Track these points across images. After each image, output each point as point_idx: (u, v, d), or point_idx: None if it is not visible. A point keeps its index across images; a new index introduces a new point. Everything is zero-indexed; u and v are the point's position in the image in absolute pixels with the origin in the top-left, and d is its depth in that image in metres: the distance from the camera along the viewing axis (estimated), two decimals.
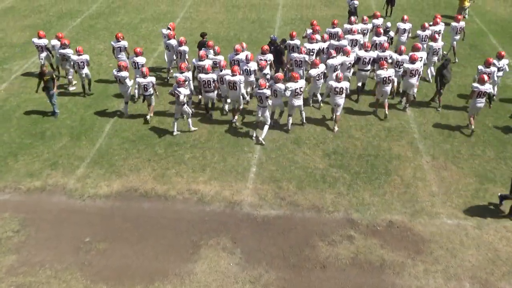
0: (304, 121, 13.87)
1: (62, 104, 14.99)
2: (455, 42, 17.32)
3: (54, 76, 13.38)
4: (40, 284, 9.27)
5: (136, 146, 13.13)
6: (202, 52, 14.18)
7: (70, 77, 15.84)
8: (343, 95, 13.29)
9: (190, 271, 9.51)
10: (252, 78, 14.14)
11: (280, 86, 12.86)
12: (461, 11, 20.07)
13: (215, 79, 13.58)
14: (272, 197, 11.34)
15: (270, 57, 14.41)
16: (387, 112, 14.16)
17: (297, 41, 15.26)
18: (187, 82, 13.43)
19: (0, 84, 16.22)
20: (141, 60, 14.54)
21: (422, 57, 14.39)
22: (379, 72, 13.71)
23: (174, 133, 13.52)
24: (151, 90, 13.64)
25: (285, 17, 21.47)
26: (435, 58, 15.90)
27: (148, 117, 14.06)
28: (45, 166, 12.38)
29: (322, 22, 18.48)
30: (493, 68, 13.98)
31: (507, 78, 16.31)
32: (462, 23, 17.08)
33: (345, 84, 13.17)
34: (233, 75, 13.26)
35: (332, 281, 9.31)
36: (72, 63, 14.91)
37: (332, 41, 15.45)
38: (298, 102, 13.28)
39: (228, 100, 14.24)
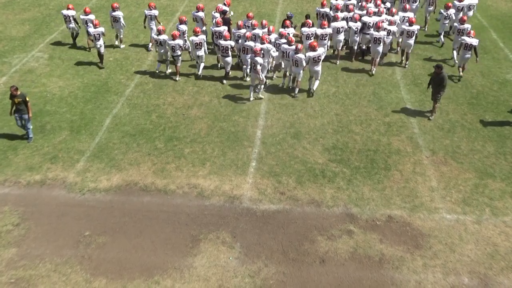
0: (314, 89, 15.07)
1: (62, 98, 14.99)
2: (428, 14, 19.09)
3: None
4: (40, 277, 9.30)
5: (136, 140, 13.13)
6: (218, 19, 15.85)
7: (121, 36, 18.16)
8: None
9: (190, 265, 9.53)
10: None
11: (301, 55, 14.23)
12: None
13: (232, 46, 15.28)
14: (272, 191, 11.36)
15: (291, 30, 15.58)
16: (374, 71, 16.24)
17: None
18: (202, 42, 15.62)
19: (0, 78, 16.19)
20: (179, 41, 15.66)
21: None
22: (372, 32, 15.78)
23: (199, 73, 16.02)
24: (178, 52, 15.41)
25: (285, 11, 21.36)
26: (446, 22, 17.70)
27: (177, 78, 15.98)
28: (45, 160, 12.38)
29: None
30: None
31: (507, 73, 16.29)
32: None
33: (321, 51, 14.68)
34: (262, 43, 14.67)
35: (331, 276, 9.34)
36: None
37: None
38: (317, 68, 14.59)
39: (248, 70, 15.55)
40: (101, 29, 16.28)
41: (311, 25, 16.11)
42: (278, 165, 12.20)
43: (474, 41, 15.04)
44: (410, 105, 14.57)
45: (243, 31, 15.75)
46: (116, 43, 18.42)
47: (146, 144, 12.99)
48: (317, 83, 15.10)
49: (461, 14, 17.47)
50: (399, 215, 10.71)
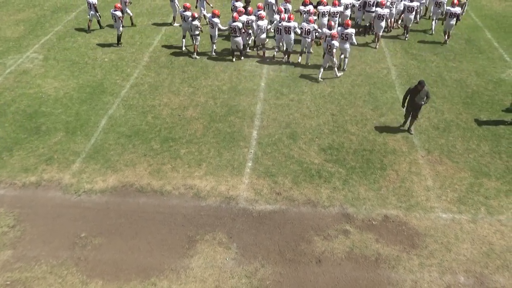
0: (345, 67, 16.62)
1: (57, 99, 14.95)
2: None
3: None
4: (36, 279, 9.27)
5: (132, 141, 13.11)
6: (235, 14, 16.68)
7: (174, 15, 19.96)
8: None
9: (186, 266, 9.53)
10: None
11: (327, 30, 15.72)
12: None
13: (240, 27, 16.33)
14: (268, 192, 11.36)
15: (311, 7, 17.38)
16: (378, 45, 18.17)
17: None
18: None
19: None
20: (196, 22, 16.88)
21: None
22: (377, 9, 17.50)
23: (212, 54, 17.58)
24: (196, 32, 16.84)
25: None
26: (439, 11, 18.74)
27: (194, 56, 17.40)
28: (40, 161, 12.35)
29: None
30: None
31: (502, 72, 16.37)
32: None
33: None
34: (288, 21, 16.26)
35: (328, 276, 9.35)
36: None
37: None
38: (346, 45, 15.86)
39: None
40: (118, 13, 17.45)
41: (326, 4, 17.68)
42: (274, 165, 12.21)
43: (457, 10, 17.45)
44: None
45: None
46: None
47: (142, 145, 12.96)
48: (346, 61, 16.55)
49: None
50: (395, 214, 10.74)
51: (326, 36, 15.64)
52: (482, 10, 21.79)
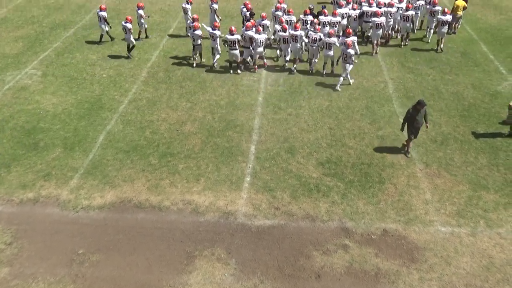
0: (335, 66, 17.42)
1: (56, 114, 14.97)
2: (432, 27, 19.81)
3: None
4: None
5: (130, 156, 13.11)
6: (233, 27, 16.99)
7: (186, 26, 20.33)
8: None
9: (185, 283, 9.47)
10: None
11: (334, 39, 16.42)
12: (454, 20, 20.26)
13: (239, 39, 16.78)
14: (267, 206, 11.34)
15: (310, 17, 18.19)
16: (376, 51, 18.82)
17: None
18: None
19: None
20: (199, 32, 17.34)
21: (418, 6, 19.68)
22: (374, 19, 18.11)
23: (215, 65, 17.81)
24: (198, 41, 17.35)
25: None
26: (434, 19, 19.08)
27: (202, 60, 18.18)
28: (38, 177, 12.32)
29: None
30: (411, 12, 18.81)
31: (498, 85, 16.45)
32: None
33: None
34: (295, 30, 16.88)
35: None
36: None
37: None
38: (351, 51, 15.86)
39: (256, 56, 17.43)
40: (128, 25, 17.98)
41: (326, 14, 18.32)
42: (273, 180, 12.20)
43: (448, 18, 18.31)
44: (403, 118, 14.62)
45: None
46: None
47: (140, 160, 12.96)
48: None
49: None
50: (394, 228, 10.71)
51: (327, 44, 16.45)
52: (477, 23, 21.97)
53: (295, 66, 17.46)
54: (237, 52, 17.01)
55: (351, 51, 15.70)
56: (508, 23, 22.04)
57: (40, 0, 25.45)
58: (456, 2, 19.97)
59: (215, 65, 17.76)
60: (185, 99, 15.80)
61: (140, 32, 20.20)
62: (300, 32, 16.86)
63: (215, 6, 19.85)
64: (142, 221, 10.98)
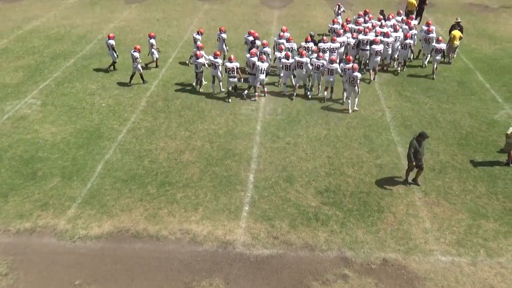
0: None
1: (54, 144, 14.99)
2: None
3: None
4: None
5: (128, 185, 13.07)
6: (232, 56, 17.72)
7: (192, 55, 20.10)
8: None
9: None
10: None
11: (336, 65, 16.98)
12: (451, 50, 20.62)
13: (238, 67, 17.31)
14: (265, 236, 11.26)
15: (311, 44, 18.77)
16: (374, 77, 19.27)
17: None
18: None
19: None
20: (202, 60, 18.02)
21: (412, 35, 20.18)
22: (373, 46, 18.54)
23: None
24: (201, 69, 17.95)
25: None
26: (429, 47, 19.66)
27: (203, 84, 18.66)
28: (36, 207, 12.26)
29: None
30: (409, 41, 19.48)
31: (495, 114, 16.58)
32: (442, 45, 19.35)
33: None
34: (301, 57, 17.31)
35: None
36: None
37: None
38: (358, 74, 16.33)
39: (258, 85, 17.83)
40: (136, 54, 18.43)
41: (326, 41, 18.79)
42: (271, 209, 12.15)
43: (442, 46, 18.99)
44: (401, 147, 14.70)
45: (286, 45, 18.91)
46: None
47: (138, 189, 12.92)
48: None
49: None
50: (394, 258, 10.62)
51: (329, 70, 17.09)
52: (472, 53, 22.29)
53: (294, 93, 17.97)
54: (235, 79, 17.52)
55: (358, 74, 16.15)
56: (503, 53, 22.37)
57: (41, 31, 25.82)
58: (453, 32, 20.36)
59: (218, 91, 18.24)
60: (184, 128, 15.87)
61: (151, 61, 20.68)
62: (306, 59, 17.36)
63: (224, 35, 20.48)
64: (140, 251, 10.88)
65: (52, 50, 23.00)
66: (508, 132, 13.36)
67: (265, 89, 18.13)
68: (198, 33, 20.40)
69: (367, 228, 11.47)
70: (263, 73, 17.46)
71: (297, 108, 17.12)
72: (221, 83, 18.17)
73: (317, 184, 13.08)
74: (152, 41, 19.90)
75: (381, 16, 22.20)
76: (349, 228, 11.49)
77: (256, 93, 17.98)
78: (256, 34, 19.76)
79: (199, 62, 17.80)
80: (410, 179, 13.10)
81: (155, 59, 20.54)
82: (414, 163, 12.54)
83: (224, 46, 20.54)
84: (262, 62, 17.34)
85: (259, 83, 17.73)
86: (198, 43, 19.52)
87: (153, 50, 20.11)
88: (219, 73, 17.71)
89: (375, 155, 14.33)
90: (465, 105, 17.28)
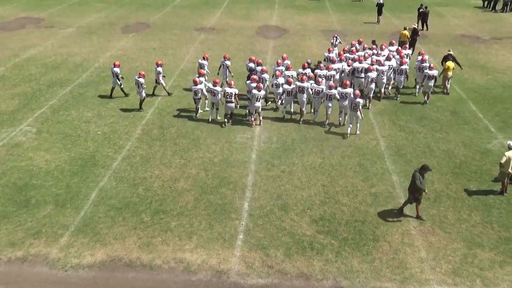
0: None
1: (48, 171, 14.93)
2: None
3: None
4: None
5: (122, 213, 12.99)
6: (231, 81, 18.64)
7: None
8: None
9: None
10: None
11: (334, 91, 17.54)
12: (445, 80, 20.94)
13: (236, 93, 17.76)
14: (260, 265, 11.15)
15: (308, 71, 19.41)
16: (369, 105, 19.70)
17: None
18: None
19: None
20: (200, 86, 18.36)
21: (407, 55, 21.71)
22: (368, 74, 19.21)
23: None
24: (199, 95, 18.31)
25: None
26: (422, 75, 20.03)
27: (199, 112, 18.85)
28: (28, 235, 12.12)
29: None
30: (404, 67, 20.36)
31: (488, 143, 16.71)
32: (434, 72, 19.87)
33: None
34: (302, 82, 17.95)
35: None
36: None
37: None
38: (345, 103, 17.41)
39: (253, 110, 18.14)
40: (141, 80, 18.78)
41: (322, 68, 19.60)
42: (266, 237, 12.07)
43: (435, 72, 19.54)
44: (396, 176, 14.74)
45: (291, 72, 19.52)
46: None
47: (132, 217, 12.83)
48: (346, 117, 18.13)
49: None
50: (389, 287, 10.52)
51: (327, 95, 17.67)
52: (465, 83, 22.60)
53: (301, 118, 18.52)
54: (232, 105, 17.88)
55: (360, 100, 16.76)
56: (495, 83, 22.71)
57: (38, 59, 26.03)
58: (447, 63, 20.74)
59: (216, 119, 18.48)
60: (179, 156, 15.88)
61: (155, 87, 20.99)
62: (307, 84, 17.98)
63: (228, 62, 21.04)
64: (133, 280, 10.73)
65: (48, 78, 23.15)
66: (502, 161, 13.44)
67: (261, 117, 18.29)
68: (204, 58, 21.01)
69: (363, 257, 11.40)
70: (259, 101, 17.69)
71: (292, 137, 17.20)
72: (218, 111, 18.36)
73: (312, 212, 13.05)
74: (159, 69, 20.17)
75: (374, 46, 22.63)
76: (344, 257, 11.41)
77: (253, 119, 18.13)
78: (260, 61, 20.37)
79: (198, 89, 18.13)
80: (406, 212, 13.05)
81: (162, 86, 20.82)
82: (420, 196, 12.43)
83: (228, 72, 21.05)
84: (259, 90, 17.57)
85: (254, 111, 17.93)
86: (205, 68, 20.58)
87: (160, 78, 20.34)
88: (218, 101, 18.10)
89: (370, 184, 14.35)
90: (458, 134, 17.43)
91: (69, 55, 26.77)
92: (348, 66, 20.28)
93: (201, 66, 20.77)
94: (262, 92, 17.76)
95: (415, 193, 12.41)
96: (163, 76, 20.68)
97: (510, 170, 13.50)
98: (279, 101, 19.53)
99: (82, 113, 19.19)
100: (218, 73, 21.59)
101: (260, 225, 12.52)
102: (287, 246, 11.78)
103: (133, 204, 13.39)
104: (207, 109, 19.25)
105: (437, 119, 18.69)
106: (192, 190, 14.01)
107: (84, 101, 20.44)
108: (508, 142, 13.84)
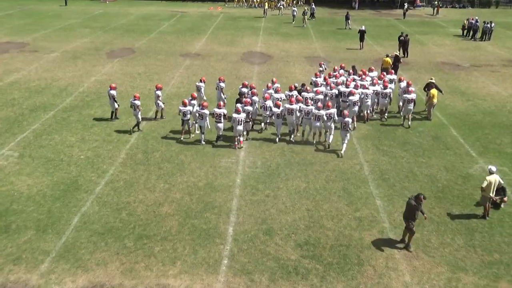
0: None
1: (30, 196, 14.72)
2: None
3: None
4: None
5: (105, 239, 12.80)
6: (221, 102, 20.08)
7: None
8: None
9: None
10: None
11: (322, 112, 18.13)
12: (430, 107, 21.36)
13: (225, 113, 18.44)
14: None
15: (295, 93, 19.97)
16: (355, 124, 20.24)
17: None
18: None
19: None
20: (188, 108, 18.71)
21: (393, 80, 22.56)
22: (351, 97, 19.83)
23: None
24: (188, 117, 18.56)
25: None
26: (405, 96, 20.48)
27: (192, 135, 19.23)
28: (8, 262, 11.86)
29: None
30: (388, 90, 21.04)
31: (470, 168, 16.94)
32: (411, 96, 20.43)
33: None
34: (291, 104, 18.60)
35: None
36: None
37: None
38: (329, 123, 18.28)
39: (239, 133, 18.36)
40: (137, 102, 19.00)
41: (309, 91, 20.54)
42: (251, 262, 11.98)
43: (413, 96, 20.17)
44: (379, 200, 14.83)
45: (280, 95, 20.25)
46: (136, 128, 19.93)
47: (115, 243, 12.65)
48: (331, 137, 18.80)
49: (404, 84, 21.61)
50: None
51: (316, 116, 18.20)
52: (446, 109, 23.01)
53: (291, 138, 19.01)
54: (221, 125, 18.47)
55: (349, 119, 17.68)
56: (475, 109, 23.16)
57: (22, 84, 25.91)
58: (431, 91, 21.21)
59: (203, 142, 18.66)
60: (163, 181, 15.79)
61: (157, 111, 21.20)
62: (295, 106, 18.60)
63: (222, 84, 21.64)
64: None
65: (32, 102, 23.01)
66: (483, 186, 13.62)
67: (241, 138, 18.53)
68: (201, 81, 21.87)
69: (347, 282, 11.36)
70: (241, 125, 17.94)
71: (277, 161, 17.25)
72: (203, 136, 18.52)
73: (296, 237, 13.01)
74: (158, 92, 20.36)
75: (352, 71, 23.40)
76: (329, 282, 11.36)
77: (236, 143, 18.22)
78: (253, 85, 21.17)
79: (186, 110, 18.44)
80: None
81: (160, 109, 21.03)
82: (413, 225, 12.37)
83: (222, 94, 21.54)
84: (238, 113, 17.94)
85: (238, 133, 18.15)
86: (202, 90, 21.58)
87: (158, 101, 20.54)
88: (206, 123, 18.35)
89: (354, 208, 14.40)
90: (440, 159, 17.66)
91: (53, 80, 26.71)
92: (331, 89, 20.80)
93: (198, 89, 21.54)
94: (243, 115, 18.04)
95: (408, 220, 12.38)
96: (163, 103, 20.93)
97: (491, 195, 13.71)
98: (264, 125, 20.07)
99: (65, 138, 19.05)
100: (203, 96, 21.86)
101: (245, 250, 12.44)
102: (272, 271, 11.69)
103: (116, 229, 13.22)
104: (197, 132, 19.38)
105: (420, 144, 18.95)
106: (176, 215, 13.91)
107: (67, 125, 20.31)
108: (489, 166, 14.08)
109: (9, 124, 20.31)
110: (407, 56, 33.05)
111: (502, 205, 14.53)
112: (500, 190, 14.29)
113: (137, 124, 19.63)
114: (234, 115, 17.94)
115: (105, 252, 12.27)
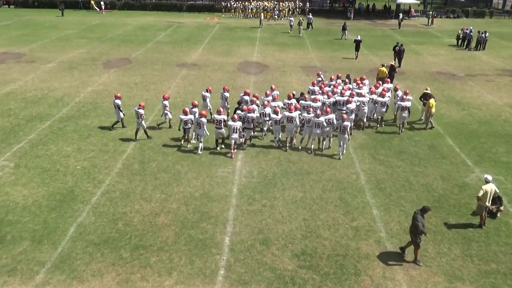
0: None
1: (25, 207, 14.65)
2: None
3: None
4: None
5: (101, 249, 12.74)
6: (220, 107, 19.69)
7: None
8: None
9: None
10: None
11: (322, 119, 18.43)
12: (429, 117, 21.45)
13: (225, 119, 18.86)
14: None
15: (294, 101, 20.25)
16: (351, 133, 20.10)
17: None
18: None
19: None
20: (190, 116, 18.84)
21: (389, 89, 22.85)
22: (348, 105, 20.01)
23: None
24: (189, 125, 18.69)
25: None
26: (399, 103, 20.88)
27: (188, 145, 19.26)
28: (2, 273, 11.78)
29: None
30: (386, 99, 21.29)
31: (466, 177, 16.98)
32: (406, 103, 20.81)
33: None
34: (290, 112, 18.79)
35: None
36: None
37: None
38: (347, 123, 18.27)
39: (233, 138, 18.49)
40: (141, 111, 19.19)
41: (307, 99, 20.68)
42: (247, 272, 11.94)
43: (408, 104, 20.51)
44: (376, 209, 14.83)
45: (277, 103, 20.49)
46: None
47: (111, 253, 12.59)
48: (331, 140, 19.45)
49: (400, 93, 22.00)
50: None
51: (315, 123, 18.49)
52: (442, 118, 23.10)
53: (288, 145, 19.21)
54: (222, 131, 18.64)
55: (348, 123, 18.08)
56: (471, 118, 23.26)
57: (18, 94, 25.88)
58: (430, 101, 21.28)
59: (200, 151, 18.68)
60: (160, 191, 15.76)
61: (170, 120, 21.36)
62: (295, 113, 18.82)
63: (226, 94, 21.81)
64: None
65: (28, 113, 22.97)
66: (479, 195, 13.64)
67: (234, 150, 18.54)
68: (207, 91, 22.10)
69: None
70: (236, 133, 18.16)
71: (273, 171, 17.26)
72: (201, 144, 18.62)
73: (293, 247, 12.99)
74: (166, 102, 20.48)
75: (347, 80, 23.75)
76: None
77: (232, 151, 18.25)
78: (256, 95, 21.06)
79: (187, 119, 18.52)
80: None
81: (168, 119, 21.14)
82: (419, 240, 12.25)
83: (226, 103, 21.73)
84: (234, 121, 18.30)
85: (233, 142, 18.30)
86: (208, 100, 21.75)
87: (166, 111, 20.68)
88: (205, 132, 18.44)
89: (351, 218, 14.40)
90: (436, 168, 17.70)
91: (49, 90, 26.70)
92: (328, 98, 20.99)
93: (204, 98, 21.77)
94: (238, 123, 18.23)
95: (416, 235, 12.25)
96: (170, 112, 21.06)
97: (487, 204, 13.73)
98: (264, 132, 20.46)
99: (61, 148, 19.01)
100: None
101: (242, 260, 12.40)
102: (268, 281, 11.65)
103: (112, 239, 13.17)
104: (193, 141, 19.50)
105: (416, 153, 19.00)
106: (172, 225, 13.86)
107: (63, 135, 20.28)
108: (485, 176, 14.11)
109: (5, 134, 20.26)
110: (399, 66, 33.24)
111: (498, 214, 14.56)
112: (496, 199, 14.30)
113: (145, 132, 19.91)
114: (230, 122, 18.26)
115: (101, 263, 12.21)
